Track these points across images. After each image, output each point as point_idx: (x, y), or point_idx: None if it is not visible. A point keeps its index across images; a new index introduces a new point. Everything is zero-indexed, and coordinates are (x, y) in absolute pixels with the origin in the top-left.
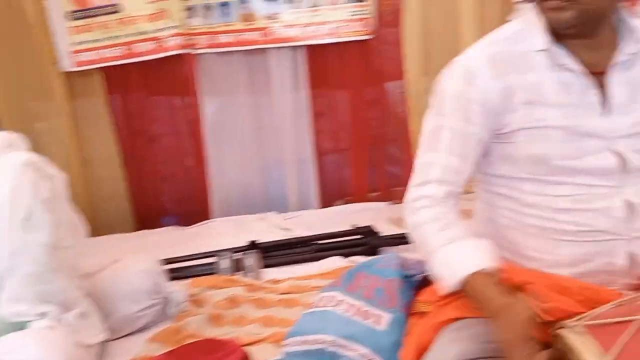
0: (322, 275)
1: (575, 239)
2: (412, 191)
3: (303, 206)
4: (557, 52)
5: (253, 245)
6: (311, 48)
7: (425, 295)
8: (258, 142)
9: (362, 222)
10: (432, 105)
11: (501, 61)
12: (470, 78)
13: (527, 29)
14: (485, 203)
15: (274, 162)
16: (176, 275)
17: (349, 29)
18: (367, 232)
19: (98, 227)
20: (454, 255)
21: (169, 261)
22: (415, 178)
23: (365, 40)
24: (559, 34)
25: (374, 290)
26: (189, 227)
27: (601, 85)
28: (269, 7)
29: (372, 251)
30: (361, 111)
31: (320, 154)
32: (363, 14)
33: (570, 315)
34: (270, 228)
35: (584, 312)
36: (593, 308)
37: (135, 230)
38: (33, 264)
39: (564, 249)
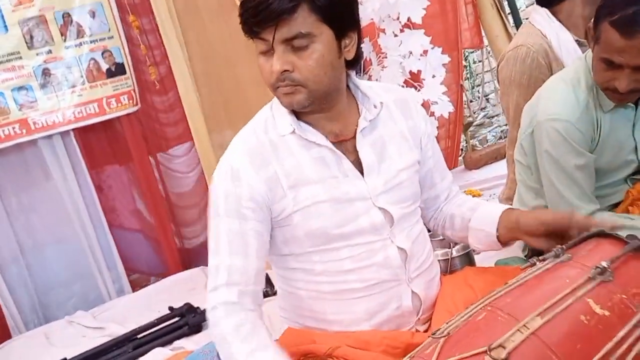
0: None
1: (365, 294)
2: (209, 299)
3: (115, 292)
4: (303, 131)
5: None
6: (81, 129)
7: None
8: (53, 236)
9: (181, 297)
10: (210, 208)
11: (259, 154)
12: (235, 176)
13: (274, 115)
14: (282, 278)
15: (73, 255)
16: None
17: (115, 105)
18: (186, 310)
19: None
20: None
21: None
22: (209, 283)
23: (136, 111)
24: (302, 113)
25: None
26: None
27: (355, 150)
28: (23, 96)
29: (196, 329)
30: (151, 183)
31: (117, 235)
32: (126, 87)
33: None
34: (79, 336)
35: None
36: (394, 354)
37: None
38: None
39: (358, 305)
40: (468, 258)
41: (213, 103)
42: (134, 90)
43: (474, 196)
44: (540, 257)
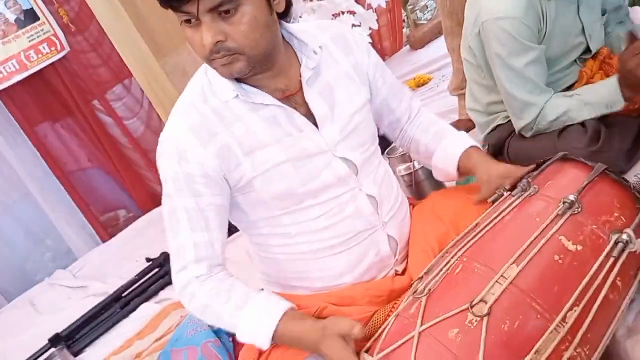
0: (139, 336)
1: (344, 248)
2: (177, 278)
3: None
4: (248, 94)
5: (57, 339)
6: (8, 90)
7: (246, 354)
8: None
9: (156, 240)
10: (163, 187)
11: (203, 127)
12: (182, 157)
13: (211, 81)
14: (256, 245)
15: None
16: None
17: (35, 57)
18: (164, 259)
19: None
20: (250, 319)
21: None
22: (174, 264)
23: (65, 56)
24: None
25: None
26: None
27: (304, 102)
28: None
29: None
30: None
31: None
32: (42, 34)
33: (365, 320)
34: (65, 298)
35: (374, 313)
36: (378, 302)
37: None
38: None
39: (339, 260)
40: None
41: (155, 21)
42: (55, 35)
43: (424, 82)
44: (507, 188)
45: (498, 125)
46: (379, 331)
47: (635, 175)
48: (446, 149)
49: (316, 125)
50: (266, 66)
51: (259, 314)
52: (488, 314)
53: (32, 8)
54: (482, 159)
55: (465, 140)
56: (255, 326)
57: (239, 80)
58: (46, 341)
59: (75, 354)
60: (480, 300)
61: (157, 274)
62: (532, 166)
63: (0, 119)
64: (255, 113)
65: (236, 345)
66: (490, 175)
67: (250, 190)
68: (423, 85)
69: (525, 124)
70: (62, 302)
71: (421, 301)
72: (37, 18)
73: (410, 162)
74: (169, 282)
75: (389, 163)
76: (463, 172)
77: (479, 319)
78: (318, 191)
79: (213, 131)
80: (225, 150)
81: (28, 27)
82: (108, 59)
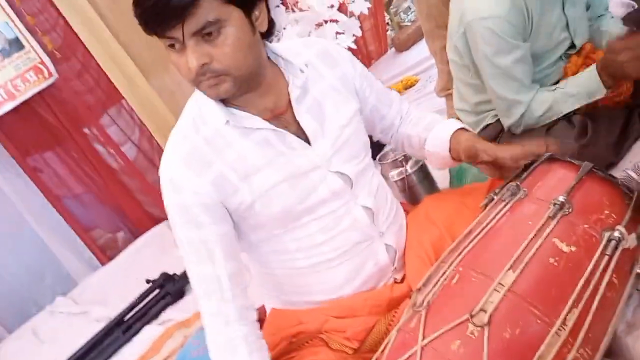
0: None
1: (342, 260)
2: (202, 306)
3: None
4: (238, 119)
5: None
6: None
7: None
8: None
9: (154, 261)
10: (173, 215)
11: (196, 158)
12: (177, 188)
13: (201, 109)
14: (257, 263)
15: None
16: None
17: (23, 85)
18: (164, 280)
19: None
20: None
21: None
22: (195, 291)
23: (53, 83)
24: (230, 98)
25: None
26: None
27: (294, 121)
28: None
29: (178, 296)
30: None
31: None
32: (29, 62)
33: (367, 331)
34: (66, 326)
35: (375, 323)
36: (378, 312)
37: None
38: None
39: (337, 272)
40: (422, 172)
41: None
42: (42, 63)
43: (411, 85)
44: (497, 192)
45: (487, 125)
46: (382, 347)
47: (623, 171)
48: (437, 133)
49: (308, 142)
50: (252, 85)
51: None
52: (489, 323)
53: (16, 37)
54: (477, 139)
55: (456, 124)
56: None
57: (227, 102)
58: None
59: None
60: (480, 310)
61: (158, 295)
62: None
63: None
64: (246, 138)
65: None
66: (510, 157)
67: (250, 214)
68: (411, 87)
69: (513, 121)
70: (65, 330)
71: (421, 314)
72: (22, 47)
73: (402, 167)
74: (170, 303)
75: (382, 169)
76: (455, 154)
77: (480, 328)
78: (314, 207)
79: (207, 161)
80: (221, 179)
81: (14, 56)
82: (96, 84)
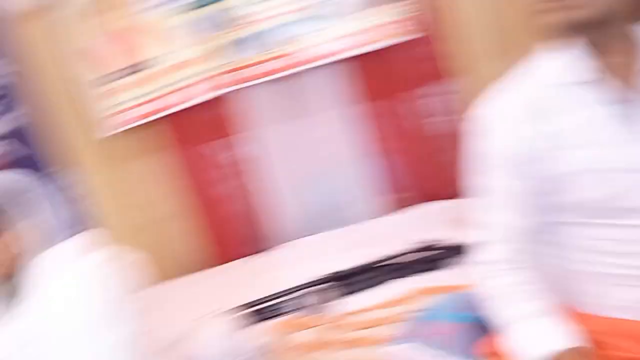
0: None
1: (627, 283)
2: (481, 253)
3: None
4: (604, 82)
5: (334, 277)
6: (355, 59)
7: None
8: (311, 162)
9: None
10: (475, 159)
11: (539, 106)
12: (509, 128)
13: (567, 60)
14: (548, 256)
15: (329, 176)
16: (258, 318)
17: (396, 30)
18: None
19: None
20: (541, 329)
21: (248, 305)
22: (478, 238)
23: (414, 39)
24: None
25: (453, 336)
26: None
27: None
28: (296, 28)
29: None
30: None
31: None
32: (409, 12)
33: None
34: (343, 250)
35: None
36: None
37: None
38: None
39: (616, 292)
40: None
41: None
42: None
43: None
44: None
45: None
46: None
47: None
48: None
49: None
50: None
51: (552, 331)
52: None
53: None
54: None
55: None
56: (541, 337)
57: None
58: None
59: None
60: None
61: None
62: None
63: (339, 88)
64: (604, 106)
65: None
66: None
67: (554, 190)
68: None
69: None
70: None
71: None
72: None
73: None
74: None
75: None
76: None
77: None
78: (622, 212)
79: (547, 113)
80: (553, 137)
81: (396, 4)
82: (436, 55)
